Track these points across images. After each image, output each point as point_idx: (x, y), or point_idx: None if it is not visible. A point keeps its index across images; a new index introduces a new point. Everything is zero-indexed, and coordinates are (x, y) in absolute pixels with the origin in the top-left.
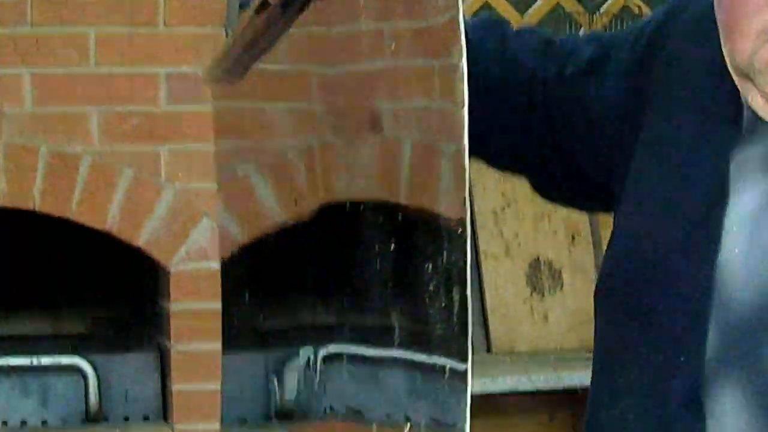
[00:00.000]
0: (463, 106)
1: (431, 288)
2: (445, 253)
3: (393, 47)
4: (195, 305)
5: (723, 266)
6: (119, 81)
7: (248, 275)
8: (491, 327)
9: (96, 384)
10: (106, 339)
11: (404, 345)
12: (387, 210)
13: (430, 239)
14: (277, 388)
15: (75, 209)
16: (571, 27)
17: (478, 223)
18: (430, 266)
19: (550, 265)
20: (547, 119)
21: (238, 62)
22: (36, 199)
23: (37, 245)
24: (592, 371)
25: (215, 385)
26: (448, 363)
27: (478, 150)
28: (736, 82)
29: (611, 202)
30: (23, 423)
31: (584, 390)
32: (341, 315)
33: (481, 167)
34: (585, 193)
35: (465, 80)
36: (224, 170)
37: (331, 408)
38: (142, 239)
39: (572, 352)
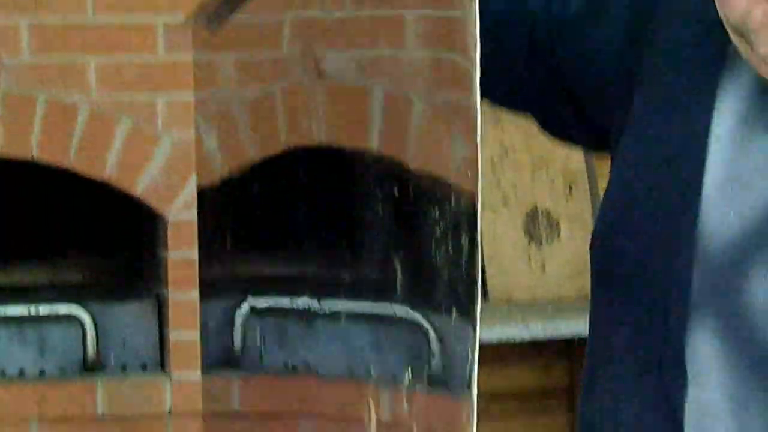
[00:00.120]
0: (475, 48)
1: (438, 234)
2: (452, 198)
3: None
4: (193, 254)
5: (705, 203)
6: (117, 30)
7: (226, 220)
8: (488, 276)
9: (93, 333)
10: (104, 288)
11: (407, 293)
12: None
13: (439, 187)
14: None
15: (73, 158)
16: None
17: None
18: (437, 211)
19: (547, 214)
20: (550, 59)
21: (218, 13)
22: (34, 148)
23: (35, 195)
24: (589, 322)
25: None
26: (455, 309)
27: (483, 89)
28: (732, 39)
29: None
30: (21, 372)
31: (581, 340)
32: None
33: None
34: (593, 135)
35: (477, 26)
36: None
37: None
38: (139, 188)
39: (569, 302)
